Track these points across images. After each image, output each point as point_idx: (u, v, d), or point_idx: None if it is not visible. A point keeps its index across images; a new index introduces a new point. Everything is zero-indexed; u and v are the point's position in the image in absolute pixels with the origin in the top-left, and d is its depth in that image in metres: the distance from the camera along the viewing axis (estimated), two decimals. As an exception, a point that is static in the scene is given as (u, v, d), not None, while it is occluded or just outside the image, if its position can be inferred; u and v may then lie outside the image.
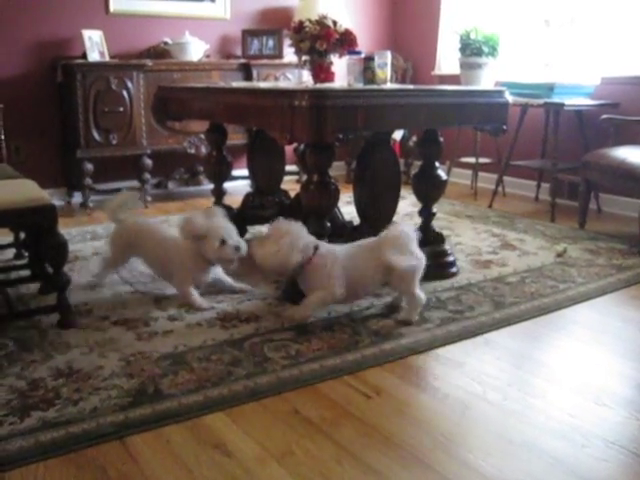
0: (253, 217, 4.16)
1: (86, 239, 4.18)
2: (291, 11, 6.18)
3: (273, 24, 6.12)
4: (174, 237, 3.15)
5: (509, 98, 3.32)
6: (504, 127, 3.31)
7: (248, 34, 5.96)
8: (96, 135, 4.92)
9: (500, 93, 3.29)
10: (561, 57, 5.38)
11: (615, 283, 3.41)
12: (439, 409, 2.18)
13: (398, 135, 5.76)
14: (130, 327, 2.78)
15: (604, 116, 4.66)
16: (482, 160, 5.65)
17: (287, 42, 4.09)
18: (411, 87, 3.85)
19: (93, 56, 4.95)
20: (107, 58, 5.07)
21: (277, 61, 5.86)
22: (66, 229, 4.18)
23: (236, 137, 5.28)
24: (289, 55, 5.34)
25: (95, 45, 4.97)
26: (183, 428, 2.04)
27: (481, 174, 5.90)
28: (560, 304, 3.11)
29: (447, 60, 6.43)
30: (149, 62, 5.12)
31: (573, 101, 4.81)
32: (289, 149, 4.84)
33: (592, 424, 2.09)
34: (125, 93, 4.99)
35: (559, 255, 3.84)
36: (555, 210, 4.77)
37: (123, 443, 1.96)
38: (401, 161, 6.10)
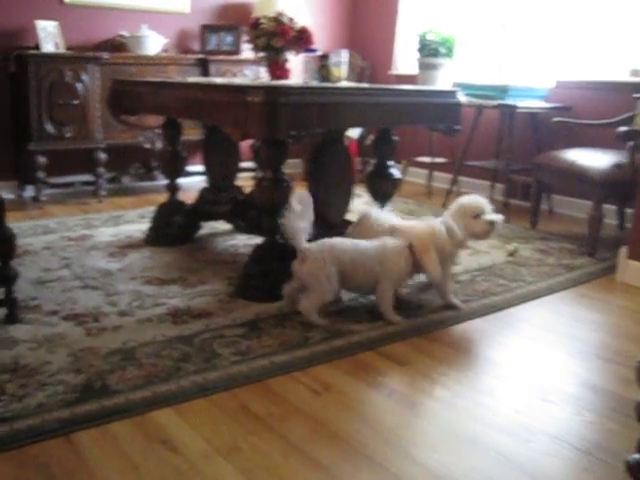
0: (207, 213, 4.15)
1: (37, 233, 4.12)
2: (250, 7, 6.17)
3: (232, 20, 6.10)
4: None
5: (462, 98, 3.36)
6: (457, 127, 3.35)
7: (207, 29, 5.93)
8: (50, 128, 4.84)
9: (453, 93, 3.32)
10: (516, 60, 5.45)
11: (564, 282, 3.48)
12: (387, 405, 2.20)
13: (355, 134, 5.78)
14: (80, 322, 2.75)
15: (556, 119, 4.73)
16: (437, 160, 5.71)
17: (245, 38, 4.08)
18: (365, 86, 3.87)
19: (47, 47, 4.87)
20: (62, 49, 5.00)
21: (235, 57, 5.85)
22: (17, 223, 4.13)
23: (192, 132, 5.24)
24: (247, 51, 5.32)
25: (50, 36, 4.90)
26: (130, 424, 2.03)
27: (436, 174, 5.96)
28: (510, 302, 3.16)
29: (405, 60, 6.47)
30: (105, 55, 5.06)
31: (526, 103, 4.88)
32: (245, 146, 4.83)
33: (538, 420, 2.13)
34: (80, 86, 4.92)
35: (510, 254, 3.89)
36: (508, 210, 4.83)
37: (68, 439, 1.94)
38: (358, 160, 6.18)
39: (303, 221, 2.81)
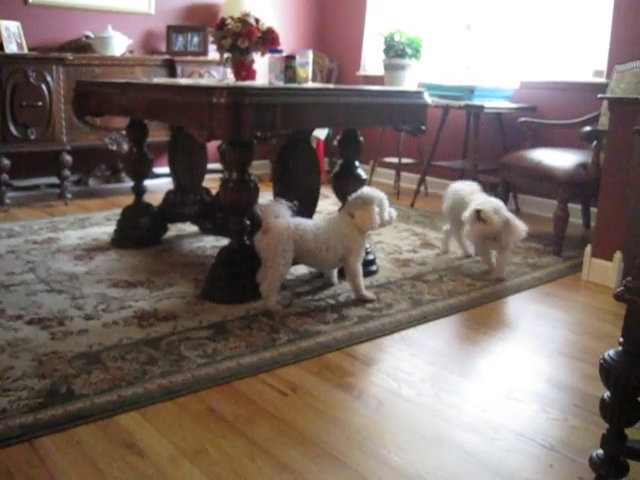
0: (174, 215, 4.13)
1: (1, 237, 4.06)
2: (217, 8, 6.15)
3: (198, 21, 6.08)
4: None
5: (428, 99, 3.38)
6: (423, 127, 3.37)
7: (173, 30, 5.89)
8: (13, 130, 4.77)
9: (419, 94, 3.34)
10: (482, 61, 5.49)
11: (530, 281, 3.51)
12: (354, 406, 2.20)
13: (322, 134, 5.79)
14: (44, 326, 2.72)
15: (522, 119, 4.78)
16: (405, 160, 5.73)
17: (212, 39, 4.07)
18: (330, 86, 3.88)
19: (10, 47, 4.82)
20: (25, 50, 4.94)
21: (202, 58, 5.82)
22: (-20, 226, 4.08)
23: (158, 134, 5.22)
24: (214, 52, 5.30)
25: (12, 36, 4.84)
26: (95, 428, 2.01)
27: (404, 174, 5.99)
28: (476, 301, 3.18)
29: (372, 61, 6.49)
30: (70, 56, 5.01)
31: (493, 104, 4.92)
32: (213, 147, 4.81)
33: (503, 417, 2.15)
34: (44, 87, 4.86)
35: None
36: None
37: (32, 445, 1.91)
38: (326, 160, 6.19)
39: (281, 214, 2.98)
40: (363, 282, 3.12)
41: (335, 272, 3.33)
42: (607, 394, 1.72)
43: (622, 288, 1.63)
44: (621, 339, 1.67)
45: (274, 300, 2.96)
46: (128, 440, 1.95)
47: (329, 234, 3.02)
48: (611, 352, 1.69)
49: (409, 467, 1.86)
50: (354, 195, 3.11)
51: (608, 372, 1.68)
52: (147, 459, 1.86)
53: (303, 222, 3.02)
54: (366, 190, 3.12)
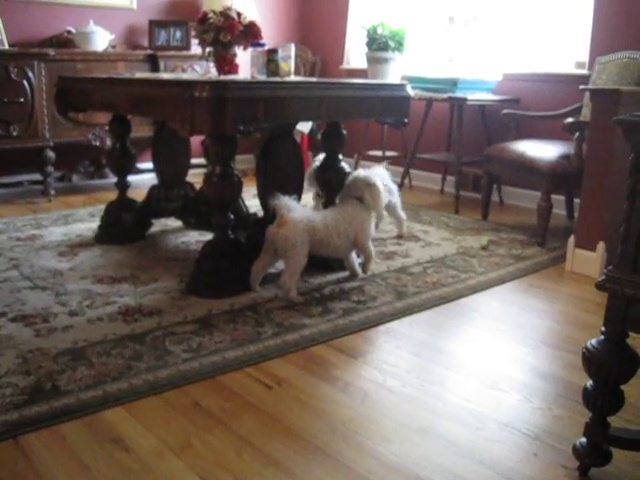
0: (158, 210, 4.12)
1: (-16, 234, 4.04)
2: (199, 2, 6.12)
3: (181, 15, 6.05)
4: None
5: (410, 92, 3.38)
6: (406, 120, 3.37)
7: (155, 25, 5.86)
8: (-5, 126, 4.75)
9: (401, 87, 3.34)
10: (464, 53, 5.50)
11: (514, 272, 3.53)
12: (339, 398, 2.21)
13: (306, 128, 5.78)
14: (28, 323, 2.71)
15: (505, 111, 4.80)
16: (389, 153, 5.74)
17: (194, 33, 4.06)
18: (313, 80, 3.88)
19: (-10, 44, 4.78)
20: (6, 46, 4.91)
21: (185, 53, 5.80)
22: (-38, 223, 4.05)
23: (142, 129, 5.20)
24: (197, 47, 5.28)
25: (-8, 32, 4.81)
26: (80, 424, 2.00)
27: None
28: (460, 293, 3.20)
29: (355, 54, 6.49)
30: (51, 51, 4.97)
31: (476, 96, 4.93)
32: (196, 142, 4.80)
33: (487, 408, 2.16)
34: (26, 83, 4.83)
35: (483, 248, 3.93)
36: (459, 202, 4.89)
37: (17, 442, 1.91)
38: (310, 154, 6.18)
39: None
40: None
41: (357, 261, 3.38)
42: (590, 383, 1.74)
43: (603, 277, 1.65)
44: (603, 328, 1.69)
45: (295, 290, 3.01)
46: (114, 435, 1.95)
47: (337, 220, 3.14)
48: (593, 341, 1.71)
49: (395, 458, 1.87)
50: (351, 180, 3.28)
51: (590, 361, 1.70)
52: (133, 454, 1.86)
53: (311, 214, 3.15)
54: (362, 173, 3.27)
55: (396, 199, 4.09)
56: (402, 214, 4.16)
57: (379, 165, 3.69)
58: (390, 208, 4.04)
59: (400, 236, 4.17)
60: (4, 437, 1.92)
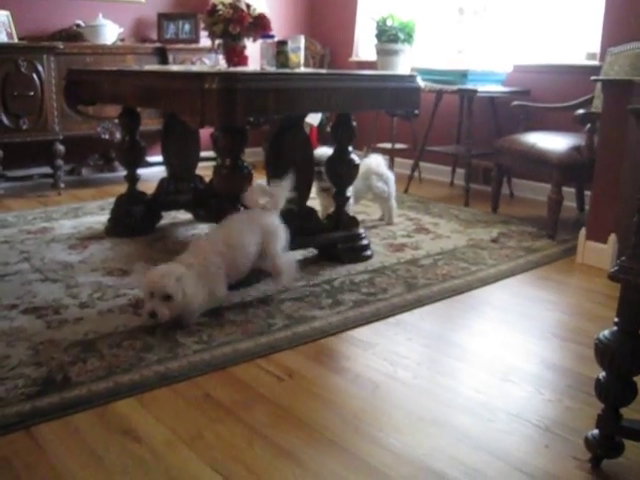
0: (168, 203, 4.12)
1: (-5, 227, 4.06)
2: (208, -5, 6.12)
3: (189, 8, 6.04)
4: None
5: (420, 83, 3.37)
6: (416, 112, 3.36)
7: (164, 18, 5.86)
8: (5, 120, 4.75)
9: (411, 78, 3.33)
10: (474, 45, 5.48)
11: (524, 265, 3.52)
12: (350, 389, 2.21)
13: (315, 120, 5.77)
14: (40, 315, 2.72)
15: (515, 102, 4.78)
16: (398, 146, 5.72)
17: (203, 26, 4.05)
18: (322, 71, 3.87)
19: (1, 37, 4.79)
20: (16, 40, 4.91)
21: (193, 45, 5.80)
22: (-27, 216, 4.07)
23: (151, 122, 5.20)
24: (205, 40, 5.28)
25: (2, 25, 4.81)
26: (92, 415, 2.01)
27: (398, 160, 5.97)
28: (471, 285, 3.19)
29: (365, 47, 6.47)
30: (61, 45, 4.97)
31: (486, 88, 4.91)
32: (205, 135, 4.80)
33: (498, 399, 2.15)
34: (35, 76, 4.84)
35: (493, 240, 3.92)
36: (469, 195, 4.87)
37: (29, 433, 1.91)
38: (319, 146, 6.16)
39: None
40: None
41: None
42: (602, 374, 1.73)
43: (616, 268, 1.64)
44: (616, 319, 1.68)
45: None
46: (125, 426, 1.96)
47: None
48: (606, 332, 1.70)
49: (406, 448, 1.87)
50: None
51: (603, 352, 1.69)
52: (144, 445, 1.87)
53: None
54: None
55: (392, 188, 4.20)
56: (394, 203, 4.27)
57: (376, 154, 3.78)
58: (382, 196, 4.19)
59: (381, 219, 4.35)
60: (17, 428, 1.93)
